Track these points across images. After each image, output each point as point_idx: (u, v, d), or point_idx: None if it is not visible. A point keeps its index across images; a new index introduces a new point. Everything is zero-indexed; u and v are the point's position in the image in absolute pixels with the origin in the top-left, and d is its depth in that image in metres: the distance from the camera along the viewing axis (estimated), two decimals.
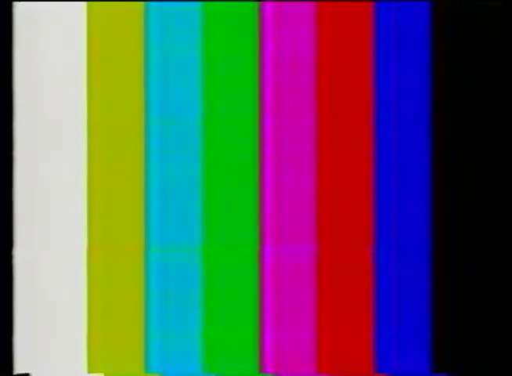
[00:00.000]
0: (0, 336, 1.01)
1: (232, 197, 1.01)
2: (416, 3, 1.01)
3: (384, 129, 1.01)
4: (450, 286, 1.00)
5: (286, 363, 1.01)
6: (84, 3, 1.01)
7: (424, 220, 1.00)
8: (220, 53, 1.01)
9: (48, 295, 1.01)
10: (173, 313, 1.00)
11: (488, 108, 1.00)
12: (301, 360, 1.01)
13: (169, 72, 1.01)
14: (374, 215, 1.00)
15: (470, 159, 1.00)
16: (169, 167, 1.01)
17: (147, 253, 1.01)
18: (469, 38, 1.00)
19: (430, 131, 1.00)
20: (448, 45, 1.00)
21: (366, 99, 1.01)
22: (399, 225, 1.00)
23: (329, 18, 1.01)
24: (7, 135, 1.01)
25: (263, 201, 1.01)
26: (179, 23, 1.01)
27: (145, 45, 1.01)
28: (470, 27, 1.00)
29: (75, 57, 1.01)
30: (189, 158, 1.01)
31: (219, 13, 1.01)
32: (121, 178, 1.01)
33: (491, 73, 1.00)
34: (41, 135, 1.01)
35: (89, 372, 1.01)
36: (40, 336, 1.01)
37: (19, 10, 1.02)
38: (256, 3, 1.01)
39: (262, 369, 1.01)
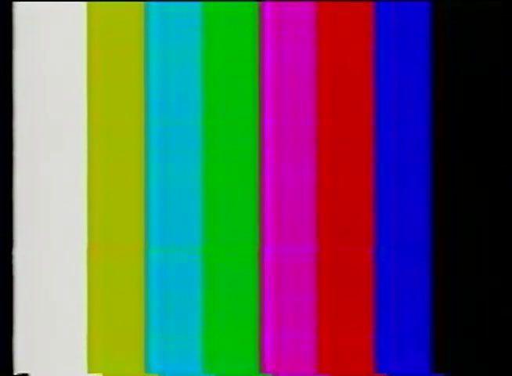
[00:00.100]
0: (0, 336, 1.01)
1: (232, 197, 1.01)
2: (416, 3, 1.01)
3: (384, 129, 1.01)
4: (450, 286, 1.00)
5: (286, 363, 1.01)
6: (84, 3, 1.01)
7: (424, 220, 1.00)
8: (220, 53, 1.01)
9: (48, 295, 1.01)
10: (173, 313, 1.00)
11: (488, 108, 1.00)
12: (301, 360, 1.01)
13: (169, 72, 1.01)
14: (374, 214, 1.00)
15: (470, 159, 1.00)
16: (169, 167, 1.01)
17: (147, 253, 1.01)
18: (469, 38, 1.00)
19: (430, 131, 1.00)
20: (448, 45, 1.00)
21: (366, 99, 1.01)
22: (399, 225, 1.00)
23: (329, 18, 1.01)
24: (7, 135, 1.01)
25: (263, 201, 1.01)
26: (179, 23, 1.01)
27: (145, 45, 1.01)
28: (470, 27, 1.00)
29: (75, 57, 1.01)
30: (189, 158, 1.01)
31: (219, 13, 1.01)
32: (121, 179, 1.01)
33: (491, 73, 1.00)
34: (41, 135, 1.01)
35: (89, 372, 1.01)
36: (40, 336, 1.01)
37: (19, 10, 1.02)
38: (256, 3, 1.01)
39: (262, 369, 1.01)
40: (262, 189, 1.01)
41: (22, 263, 1.01)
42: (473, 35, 1.00)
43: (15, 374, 1.01)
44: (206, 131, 1.01)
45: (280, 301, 1.00)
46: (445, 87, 1.00)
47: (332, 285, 1.00)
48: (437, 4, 1.01)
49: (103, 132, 1.01)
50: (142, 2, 1.01)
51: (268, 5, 1.01)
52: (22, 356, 1.01)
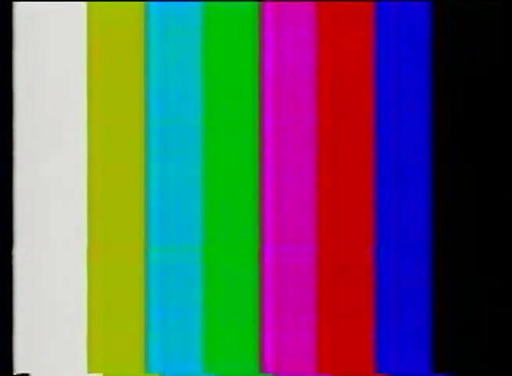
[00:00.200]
0: (0, 336, 1.01)
1: (232, 197, 1.01)
2: (416, 3, 1.01)
3: (384, 129, 1.01)
4: (450, 286, 1.00)
5: (286, 363, 1.01)
6: (84, 3, 1.01)
7: (424, 220, 1.00)
8: (220, 53, 1.01)
9: (48, 295, 1.01)
10: (173, 313, 1.00)
11: (488, 108, 1.00)
12: (300, 360, 1.01)
13: (169, 72, 1.01)
14: (374, 215, 1.00)
15: (470, 159, 1.00)
16: (169, 167, 1.01)
17: (147, 253, 1.01)
18: (469, 38, 1.00)
19: (430, 131, 1.00)
20: (448, 44, 1.00)
21: (366, 99, 1.01)
22: (399, 225, 1.00)
23: (329, 18, 1.01)
24: (7, 135, 1.01)
25: (263, 201, 1.01)
26: (179, 23, 1.01)
27: (145, 45, 1.01)
28: (470, 27, 1.00)
29: (75, 57, 1.01)
30: (189, 158, 1.01)
31: (219, 13, 1.01)
32: (121, 179, 1.01)
33: (491, 73, 1.00)
34: (41, 135, 1.01)
35: (89, 372, 1.01)
36: (40, 336, 1.01)
37: (19, 10, 1.02)
38: (256, 3, 1.01)
39: (262, 369, 1.01)
40: (262, 189, 1.01)
41: (22, 263, 1.01)
42: (473, 35, 1.00)
43: (15, 374, 1.01)
44: (206, 131, 1.01)
45: (280, 301, 1.00)
46: (445, 87, 1.00)
47: (332, 285, 1.00)
48: (437, 4, 1.01)
49: (103, 132, 1.01)
50: (142, 2, 1.01)
51: (268, 5, 1.01)
52: (22, 356, 1.01)
